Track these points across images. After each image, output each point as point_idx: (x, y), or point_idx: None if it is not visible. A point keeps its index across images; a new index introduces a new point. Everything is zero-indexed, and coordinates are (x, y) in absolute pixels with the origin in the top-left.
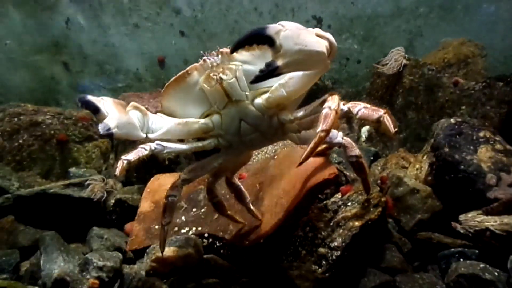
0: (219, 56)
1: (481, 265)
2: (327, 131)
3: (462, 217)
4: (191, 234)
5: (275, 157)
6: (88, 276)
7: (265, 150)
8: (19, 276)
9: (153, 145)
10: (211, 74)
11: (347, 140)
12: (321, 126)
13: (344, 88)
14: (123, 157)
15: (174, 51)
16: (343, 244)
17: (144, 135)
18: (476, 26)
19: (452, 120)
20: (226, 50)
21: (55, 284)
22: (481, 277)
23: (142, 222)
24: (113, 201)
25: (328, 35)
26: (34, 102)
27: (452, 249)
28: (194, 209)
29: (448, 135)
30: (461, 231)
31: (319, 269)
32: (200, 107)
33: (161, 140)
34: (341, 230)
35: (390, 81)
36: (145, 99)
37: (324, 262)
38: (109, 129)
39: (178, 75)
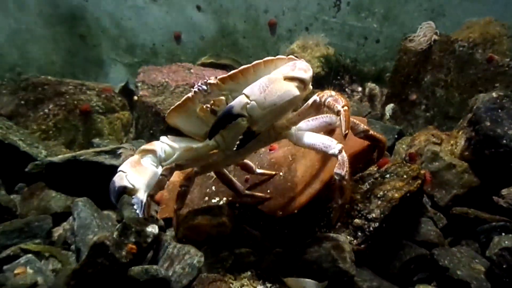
0: (208, 86)
1: None
2: (347, 105)
3: (504, 191)
4: (222, 204)
5: None
6: (126, 241)
7: None
8: (51, 241)
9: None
10: (204, 106)
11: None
12: (339, 105)
13: (366, 66)
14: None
15: (190, 26)
16: (382, 215)
17: (161, 169)
18: (500, 6)
19: (494, 94)
20: (214, 81)
21: (95, 248)
22: None
23: (172, 191)
24: None
25: (297, 74)
26: (52, 75)
27: (494, 223)
28: None
29: (489, 109)
30: (504, 205)
31: (355, 241)
32: (202, 128)
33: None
34: (379, 202)
35: (418, 58)
36: (164, 72)
37: (360, 234)
38: (142, 202)
39: (176, 104)
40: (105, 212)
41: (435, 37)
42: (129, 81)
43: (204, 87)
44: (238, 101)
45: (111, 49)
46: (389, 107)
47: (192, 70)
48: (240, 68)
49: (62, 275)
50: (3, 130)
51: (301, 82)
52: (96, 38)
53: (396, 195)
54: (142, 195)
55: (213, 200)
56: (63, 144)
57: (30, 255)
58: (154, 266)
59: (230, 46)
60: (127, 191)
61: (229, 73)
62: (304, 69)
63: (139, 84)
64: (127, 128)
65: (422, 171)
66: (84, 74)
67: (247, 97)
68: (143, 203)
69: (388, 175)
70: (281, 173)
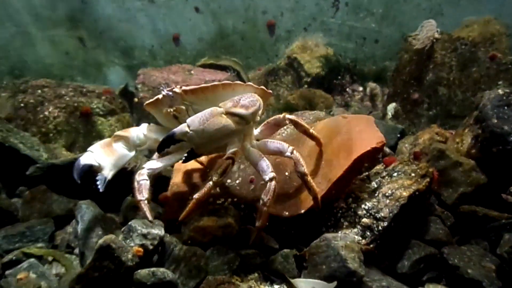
0: (173, 94)
1: None
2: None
3: None
4: (227, 204)
5: (312, 128)
6: (132, 244)
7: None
8: (54, 245)
9: (146, 171)
10: (168, 110)
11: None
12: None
13: (366, 66)
14: (141, 198)
15: (189, 28)
16: (391, 214)
17: (134, 153)
18: (498, 4)
19: (500, 91)
20: (179, 91)
21: (100, 251)
22: None
23: (175, 192)
24: None
25: (237, 111)
26: (51, 77)
27: (503, 221)
28: (228, 180)
29: (496, 106)
30: None
31: (363, 240)
32: (168, 124)
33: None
34: (387, 201)
35: (419, 57)
36: (164, 74)
37: (368, 233)
38: (105, 179)
39: (149, 101)
40: (109, 214)
41: (436, 35)
42: (128, 83)
43: (170, 93)
44: (180, 129)
45: (109, 51)
46: (391, 107)
47: (192, 72)
48: (200, 86)
49: (66, 279)
50: (3, 133)
51: (240, 118)
52: (94, 40)
53: (405, 193)
54: (107, 173)
55: (218, 201)
56: (64, 146)
57: (32, 259)
58: (161, 269)
59: (229, 47)
60: (93, 169)
61: (192, 87)
62: (246, 106)
63: (139, 86)
64: None
65: (430, 169)
66: (82, 77)
67: (188, 126)
68: (106, 180)
69: (395, 174)
70: (286, 173)
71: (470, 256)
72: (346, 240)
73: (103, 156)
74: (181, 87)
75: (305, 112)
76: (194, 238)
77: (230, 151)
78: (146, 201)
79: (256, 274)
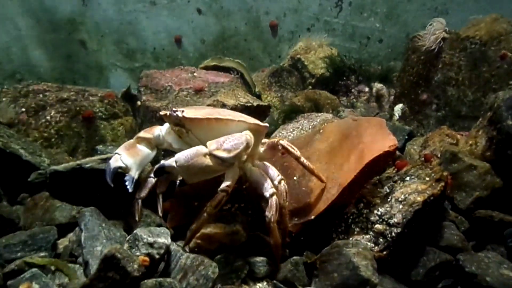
0: (176, 116)
1: None
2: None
3: None
4: (233, 210)
5: (321, 131)
6: (137, 253)
7: (300, 127)
8: (57, 254)
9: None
10: (172, 129)
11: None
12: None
13: (372, 66)
14: (136, 197)
15: (191, 29)
16: (404, 220)
17: (155, 151)
18: (504, 2)
19: None
20: (180, 114)
21: (105, 261)
22: None
23: (181, 199)
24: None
25: (219, 153)
26: (53, 81)
27: None
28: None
29: (511, 107)
30: None
31: (376, 247)
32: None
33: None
34: (401, 206)
35: (427, 56)
36: (167, 76)
37: (381, 240)
38: (133, 179)
39: (161, 112)
40: (112, 221)
41: (444, 34)
42: (130, 86)
43: (174, 114)
44: (169, 163)
45: (111, 54)
46: (398, 107)
47: (195, 74)
48: (196, 117)
49: None
50: (4, 139)
51: (222, 161)
52: (96, 43)
53: (419, 198)
54: (134, 173)
55: (224, 207)
56: (66, 151)
57: (35, 269)
58: (168, 279)
59: (232, 49)
60: (122, 170)
61: (190, 116)
62: (228, 150)
63: (142, 89)
64: (130, 134)
65: (445, 173)
66: (84, 80)
67: (176, 162)
68: (134, 180)
69: (408, 178)
70: (295, 178)
71: (487, 263)
72: (358, 247)
73: (129, 158)
74: (183, 111)
75: (312, 114)
76: (200, 246)
77: (226, 184)
78: (140, 200)
79: (265, 283)
